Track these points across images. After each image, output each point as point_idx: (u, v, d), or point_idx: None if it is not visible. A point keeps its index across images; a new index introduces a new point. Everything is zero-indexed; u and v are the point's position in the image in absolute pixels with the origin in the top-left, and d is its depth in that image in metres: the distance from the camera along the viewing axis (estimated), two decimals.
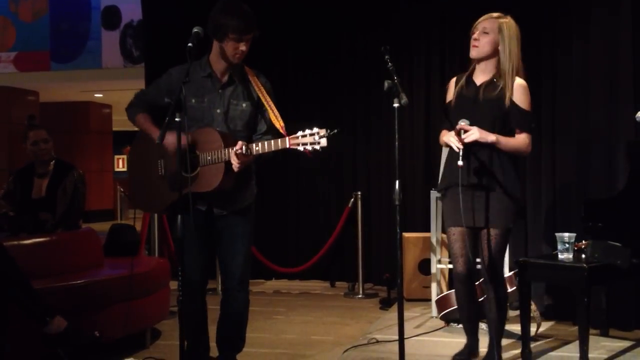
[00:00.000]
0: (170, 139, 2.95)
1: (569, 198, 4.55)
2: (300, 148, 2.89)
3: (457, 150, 3.16)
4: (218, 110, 3.14)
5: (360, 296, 5.63)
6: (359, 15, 6.04)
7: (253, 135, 3.22)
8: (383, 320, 4.66)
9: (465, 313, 3.49)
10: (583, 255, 3.55)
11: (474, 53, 3.29)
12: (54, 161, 4.46)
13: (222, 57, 3.13)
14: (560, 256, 3.51)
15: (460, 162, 3.13)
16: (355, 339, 4.14)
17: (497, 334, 3.37)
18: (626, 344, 3.93)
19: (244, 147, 2.94)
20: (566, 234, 3.52)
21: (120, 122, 15.59)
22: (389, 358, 3.65)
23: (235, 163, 2.97)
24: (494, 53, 3.28)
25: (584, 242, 3.64)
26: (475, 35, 3.27)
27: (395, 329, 2.99)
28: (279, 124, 3.02)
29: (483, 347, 3.51)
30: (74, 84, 10.79)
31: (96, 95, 12.74)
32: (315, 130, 2.88)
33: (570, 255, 3.50)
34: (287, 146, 2.92)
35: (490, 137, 3.18)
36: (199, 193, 3.07)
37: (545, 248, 4.58)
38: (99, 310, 3.69)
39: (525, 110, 3.28)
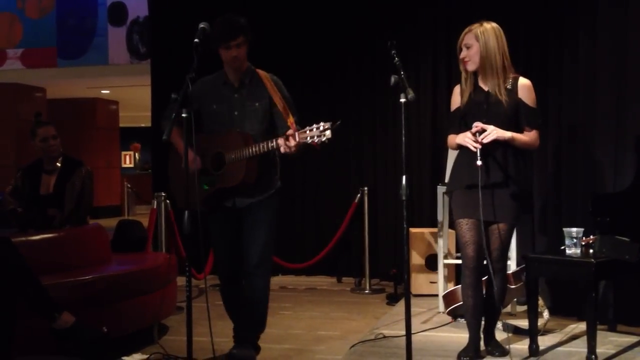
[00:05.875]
0: (190, 157, 3.20)
1: (576, 193, 4.53)
2: (309, 141, 3.15)
3: (474, 150, 3.28)
4: (235, 113, 3.47)
5: (367, 291, 5.63)
6: (366, 14, 6.03)
7: (279, 130, 3.46)
8: (390, 316, 4.66)
9: (471, 302, 3.49)
10: (591, 251, 3.54)
11: (470, 67, 3.44)
12: (62, 157, 4.48)
13: (227, 66, 3.47)
14: (567, 251, 3.51)
15: (479, 162, 3.26)
16: (362, 335, 4.14)
17: (494, 321, 3.61)
18: (634, 339, 3.92)
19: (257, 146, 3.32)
20: (574, 229, 3.51)
21: (127, 119, 15.67)
22: (396, 353, 3.65)
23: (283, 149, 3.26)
24: None
25: (591, 237, 3.64)
26: (461, 54, 3.45)
27: (402, 324, 2.99)
28: (289, 120, 3.28)
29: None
30: (81, 81, 10.79)
31: (103, 91, 12.76)
32: (321, 123, 3.13)
33: (578, 250, 3.49)
34: (297, 140, 3.18)
35: (507, 135, 3.35)
36: (226, 189, 3.41)
37: (552, 243, 4.57)
38: (107, 305, 3.70)
39: (532, 107, 3.44)
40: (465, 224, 3.46)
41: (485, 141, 3.28)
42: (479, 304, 3.50)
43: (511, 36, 4.95)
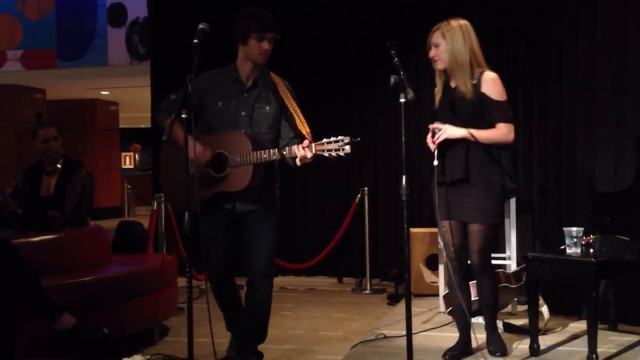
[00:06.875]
0: (198, 149, 3.10)
1: (576, 193, 4.53)
2: (326, 154, 3.07)
3: (432, 150, 3.35)
4: (243, 113, 3.29)
5: (367, 292, 5.64)
6: (366, 13, 6.03)
7: (281, 140, 3.36)
8: (391, 316, 4.67)
9: (455, 302, 3.54)
10: (591, 250, 3.54)
11: (440, 65, 3.45)
12: (62, 159, 4.48)
13: (247, 59, 3.29)
14: (568, 251, 3.50)
15: (435, 162, 3.32)
16: (363, 335, 4.14)
17: (491, 318, 3.58)
18: (635, 338, 3.91)
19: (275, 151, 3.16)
20: (574, 229, 3.51)
21: (127, 120, 15.67)
22: (397, 353, 3.65)
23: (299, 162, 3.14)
24: None
25: (592, 236, 3.64)
26: (430, 54, 3.46)
27: (403, 324, 2.99)
28: (304, 130, 3.16)
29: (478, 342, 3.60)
30: (81, 82, 10.81)
31: (103, 92, 12.77)
32: (340, 137, 3.05)
33: (579, 250, 3.49)
34: (313, 152, 3.09)
35: (460, 132, 3.33)
36: (227, 192, 3.25)
37: (552, 243, 4.57)
38: (108, 307, 3.70)
39: (497, 100, 3.39)
40: (443, 227, 3.50)
41: (438, 141, 3.32)
42: (466, 301, 3.52)
43: (511, 34, 5.01)
